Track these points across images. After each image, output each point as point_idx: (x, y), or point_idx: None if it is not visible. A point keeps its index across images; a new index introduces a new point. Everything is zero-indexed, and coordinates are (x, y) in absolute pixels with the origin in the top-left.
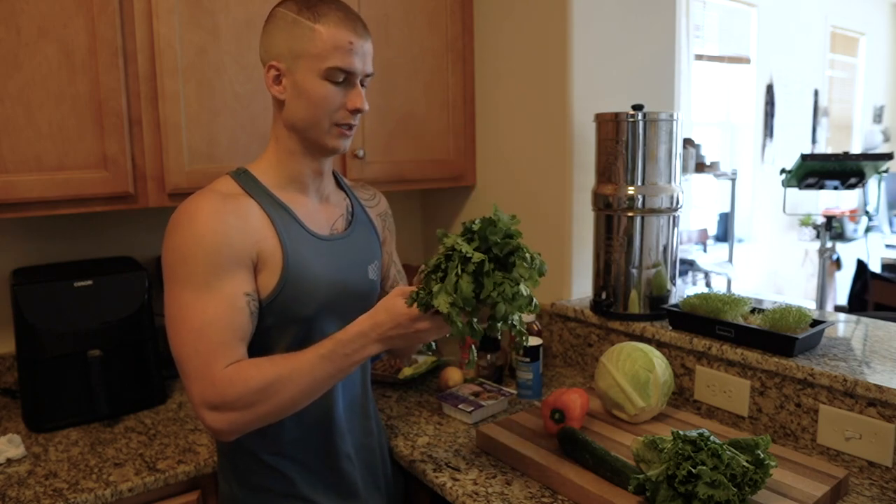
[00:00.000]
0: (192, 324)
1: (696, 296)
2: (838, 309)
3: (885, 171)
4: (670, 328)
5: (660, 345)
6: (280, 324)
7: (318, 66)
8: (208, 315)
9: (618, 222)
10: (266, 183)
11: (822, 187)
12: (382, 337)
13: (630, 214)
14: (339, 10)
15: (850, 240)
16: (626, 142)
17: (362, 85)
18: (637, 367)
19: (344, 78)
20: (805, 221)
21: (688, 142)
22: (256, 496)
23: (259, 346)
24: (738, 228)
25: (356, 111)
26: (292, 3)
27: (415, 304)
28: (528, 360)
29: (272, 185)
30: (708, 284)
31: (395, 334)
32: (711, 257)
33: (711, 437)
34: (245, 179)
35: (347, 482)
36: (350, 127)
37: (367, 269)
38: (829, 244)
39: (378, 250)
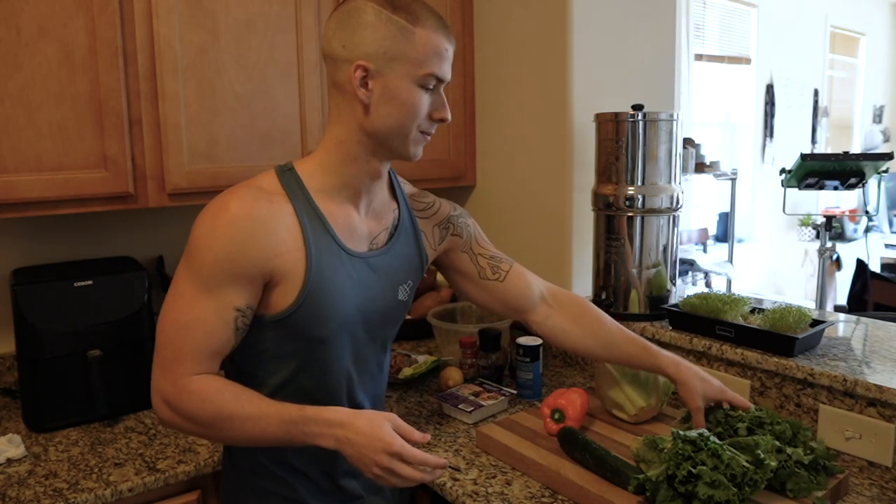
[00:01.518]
0: (178, 316)
1: (696, 296)
2: (838, 309)
3: (885, 171)
4: (670, 328)
5: (660, 345)
6: (291, 339)
7: (415, 71)
8: (195, 316)
9: (618, 222)
10: (311, 186)
11: (822, 187)
12: (346, 440)
13: (630, 214)
14: (433, 13)
15: (850, 240)
16: (626, 142)
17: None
18: None
19: (434, 85)
20: (805, 221)
21: (688, 142)
22: (259, 499)
23: (268, 358)
24: (738, 228)
25: (442, 121)
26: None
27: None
28: (528, 360)
29: (317, 190)
30: (708, 284)
31: (357, 450)
32: (711, 257)
33: (711, 437)
34: (288, 179)
35: (349, 487)
36: (430, 134)
37: (398, 290)
38: (828, 244)
39: (418, 269)
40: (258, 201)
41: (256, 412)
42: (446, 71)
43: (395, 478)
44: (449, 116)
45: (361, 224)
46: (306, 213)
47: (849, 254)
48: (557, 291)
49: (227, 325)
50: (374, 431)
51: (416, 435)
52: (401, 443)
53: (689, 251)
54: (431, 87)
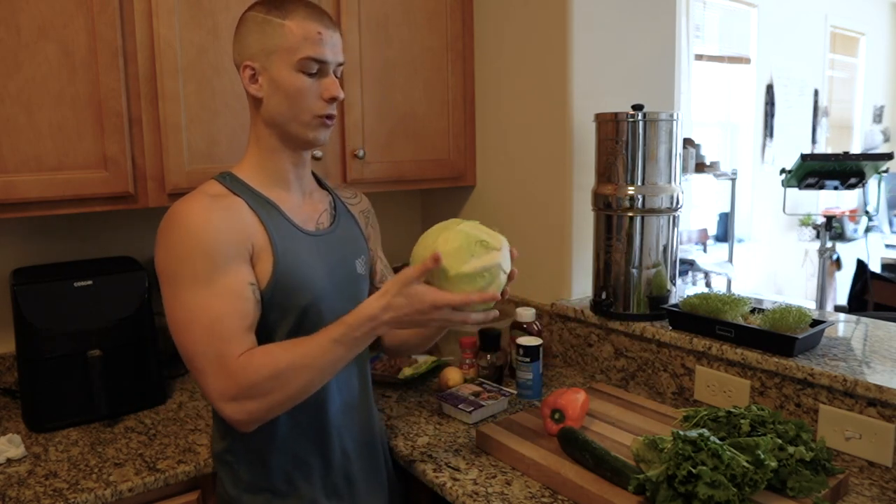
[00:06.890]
0: (201, 322)
1: (696, 296)
2: (838, 309)
3: (885, 171)
4: (670, 328)
5: (660, 345)
6: (276, 315)
7: (291, 58)
8: (215, 310)
9: (618, 222)
10: (251, 182)
11: (822, 187)
12: (395, 319)
13: (630, 214)
14: (306, 5)
15: (850, 240)
16: (626, 142)
17: (335, 75)
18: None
19: (317, 69)
20: (805, 221)
21: (688, 142)
22: (255, 496)
23: (259, 337)
24: (738, 228)
25: (332, 100)
26: (260, 6)
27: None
28: (528, 360)
29: (257, 185)
30: (708, 284)
31: (409, 319)
32: (711, 257)
33: (711, 437)
34: (230, 181)
35: (348, 481)
36: (330, 117)
37: (356, 264)
38: (829, 244)
39: (364, 245)
40: (214, 199)
41: (308, 349)
42: (325, 52)
43: (452, 321)
44: (338, 94)
45: (303, 207)
46: (257, 203)
47: (849, 254)
48: None
49: (249, 299)
50: (412, 299)
51: (428, 261)
52: (433, 293)
53: (689, 251)
54: (315, 71)
